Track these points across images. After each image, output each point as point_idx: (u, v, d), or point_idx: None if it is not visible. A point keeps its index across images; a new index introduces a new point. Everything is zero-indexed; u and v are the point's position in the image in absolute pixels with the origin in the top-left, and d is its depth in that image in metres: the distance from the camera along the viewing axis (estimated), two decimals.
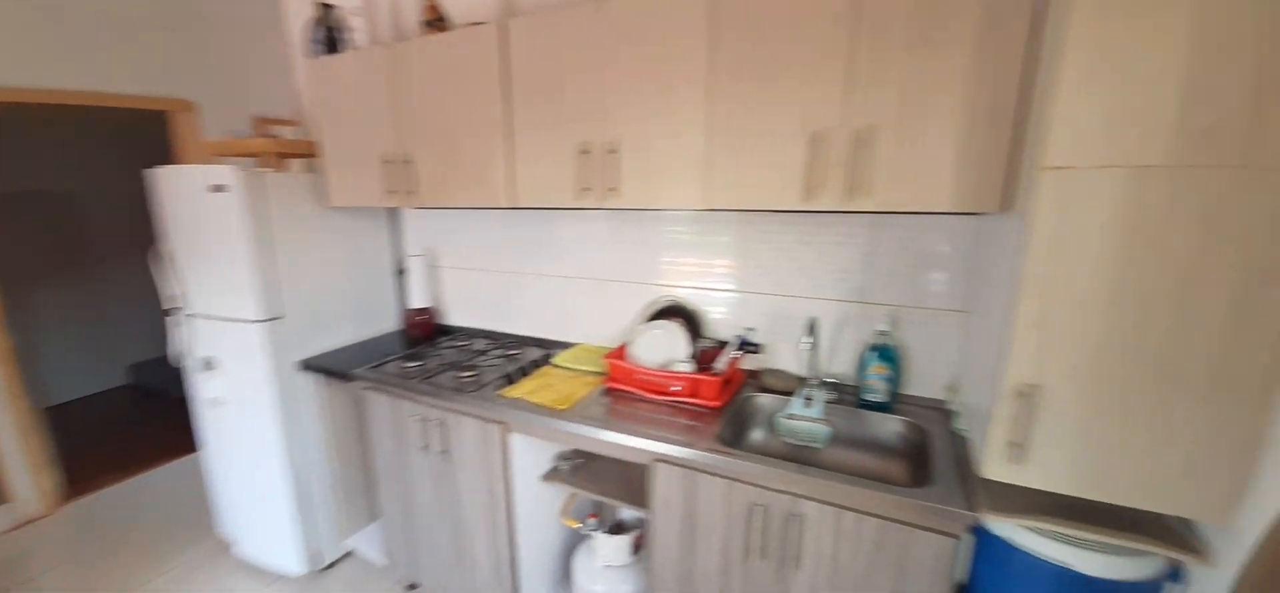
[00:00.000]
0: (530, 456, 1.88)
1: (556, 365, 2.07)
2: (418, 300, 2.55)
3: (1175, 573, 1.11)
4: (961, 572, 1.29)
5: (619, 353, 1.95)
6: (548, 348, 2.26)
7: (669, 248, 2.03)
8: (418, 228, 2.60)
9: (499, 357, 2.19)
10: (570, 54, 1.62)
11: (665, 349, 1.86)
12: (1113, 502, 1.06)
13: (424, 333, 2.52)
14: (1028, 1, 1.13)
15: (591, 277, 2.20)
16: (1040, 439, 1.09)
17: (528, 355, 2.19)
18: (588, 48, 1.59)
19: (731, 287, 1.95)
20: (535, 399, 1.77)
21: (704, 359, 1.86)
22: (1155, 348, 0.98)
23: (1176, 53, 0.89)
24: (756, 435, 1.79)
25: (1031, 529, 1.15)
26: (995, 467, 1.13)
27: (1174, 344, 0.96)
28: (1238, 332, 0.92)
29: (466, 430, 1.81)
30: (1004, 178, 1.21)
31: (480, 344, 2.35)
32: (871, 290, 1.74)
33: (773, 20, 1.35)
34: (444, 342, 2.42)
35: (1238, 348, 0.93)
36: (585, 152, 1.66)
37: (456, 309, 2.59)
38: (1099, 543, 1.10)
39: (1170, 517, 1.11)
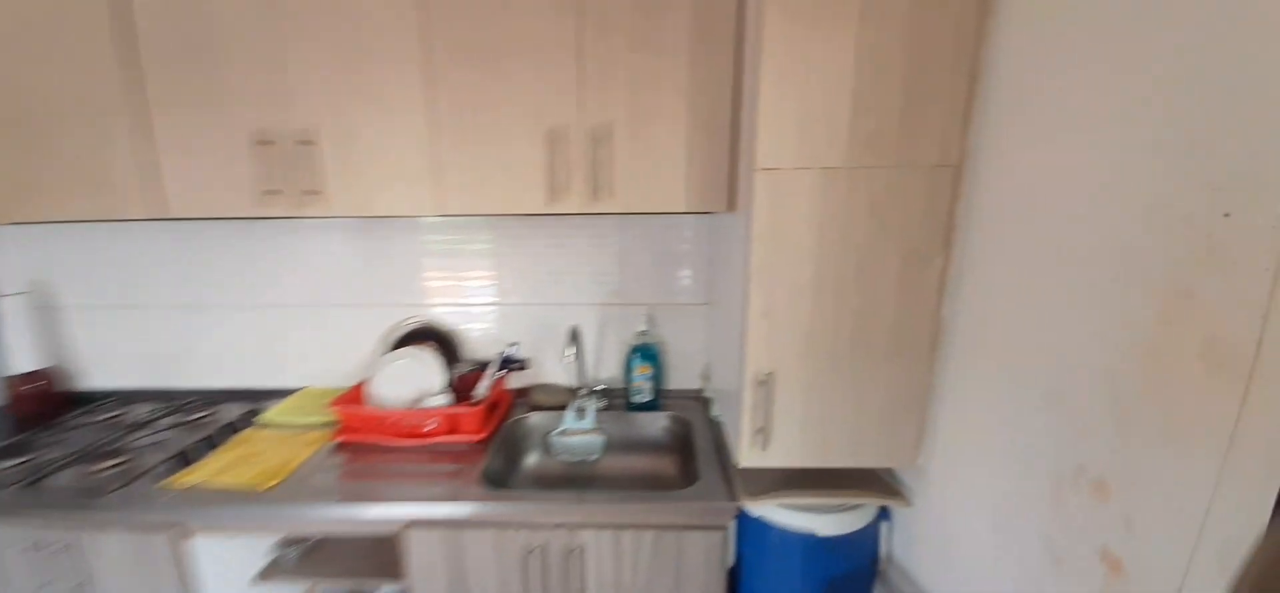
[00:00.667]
0: (234, 557, 1.40)
1: (266, 425, 1.60)
2: (23, 361, 1.72)
3: (885, 512, 1.32)
4: (730, 556, 1.35)
5: (353, 395, 1.59)
6: (255, 402, 1.74)
7: (415, 259, 1.72)
8: (10, 252, 1.75)
9: (172, 427, 1.59)
10: (226, 5, 1.21)
11: (415, 381, 1.57)
12: (835, 466, 1.20)
13: (37, 409, 1.71)
14: (732, 13, 1.18)
15: (315, 302, 1.75)
16: (779, 421, 1.16)
17: (222, 417, 1.64)
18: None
19: (490, 299, 1.75)
20: (225, 481, 1.31)
21: (464, 386, 1.63)
22: (850, 324, 1.11)
23: (847, 67, 1.01)
24: (531, 460, 1.63)
25: (780, 506, 1.24)
26: (747, 455, 1.19)
27: (862, 319, 1.11)
28: (905, 304, 1.10)
29: (112, 550, 1.25)
30: (728, 179, 1.27)
31: (142, 412, 1.69)
32: (628, 290, 1.73)
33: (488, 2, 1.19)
34: (76, 417, 1.67)
35: (907, 318, 1.11)
36: (265, 142, 1.27)
37: (100, 366, 1.83)
38: (829, 506, 1.24)
39: (880, 470, 1.31)
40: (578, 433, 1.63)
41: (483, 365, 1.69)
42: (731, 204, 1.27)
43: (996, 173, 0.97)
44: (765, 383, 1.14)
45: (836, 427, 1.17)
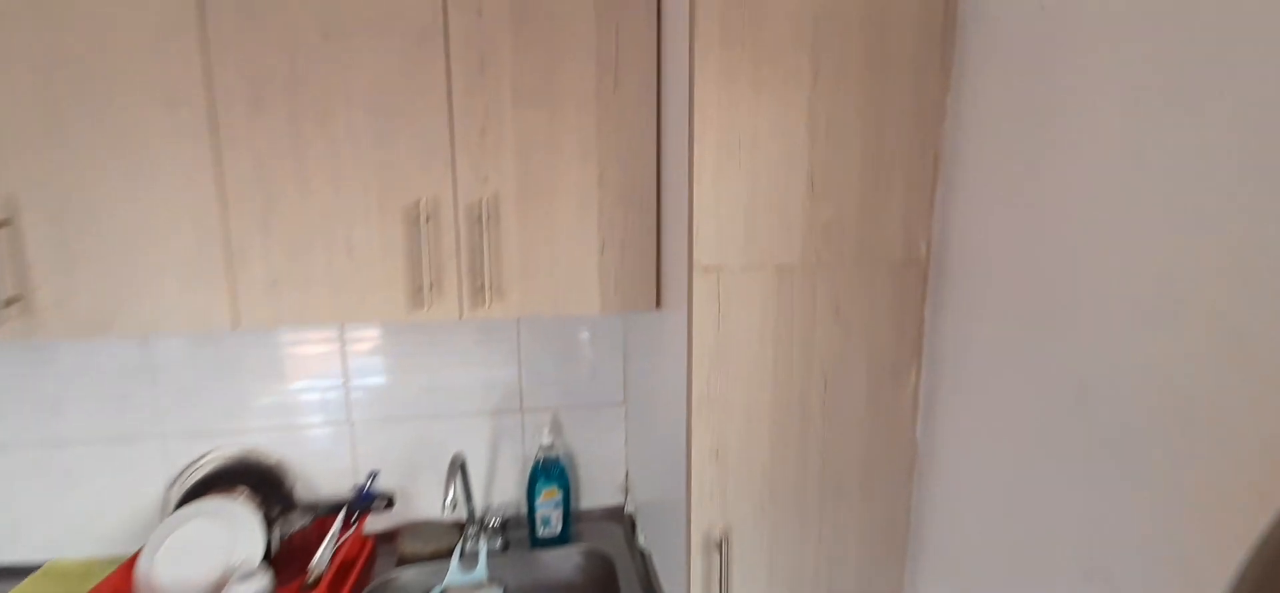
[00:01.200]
0: None
1: None
2: None
3: None
4: None
5: (120, 579, 1.06)
6: None
7: (218, 365, 1.23)
8: None
9: None
10: None
11: (217, 553, 1.09)
12: None
13: None
14: (650, 56, 0.94)
15: (61, 437, 1.19)
16: (737, 588, 0.88)
17: None
18: None
19: (335, 417, 1.31)
20: None
21: (298, 546, 1.17)
22: (818, 458, 0.88)
23: (800, 142, 0.79)
24: None
25: None
26: None
27: (831, 450, 0.88)
28: (877, 427, 0.89)
29: None
30: (655, 270, 1.00)
31: None
32: (528, 394, 1.39)
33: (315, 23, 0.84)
34: None
35: (879, 445, 0.90)
36: None
37: None
38: None
39: None
40: (467, 590, 1.23)
41: (330, 510, 1.24)
42: (659, 300, 1.00)
43: (969, 269, 0.80)
44: (721, 545, 0.85)
45: (807, 585, 0.91)
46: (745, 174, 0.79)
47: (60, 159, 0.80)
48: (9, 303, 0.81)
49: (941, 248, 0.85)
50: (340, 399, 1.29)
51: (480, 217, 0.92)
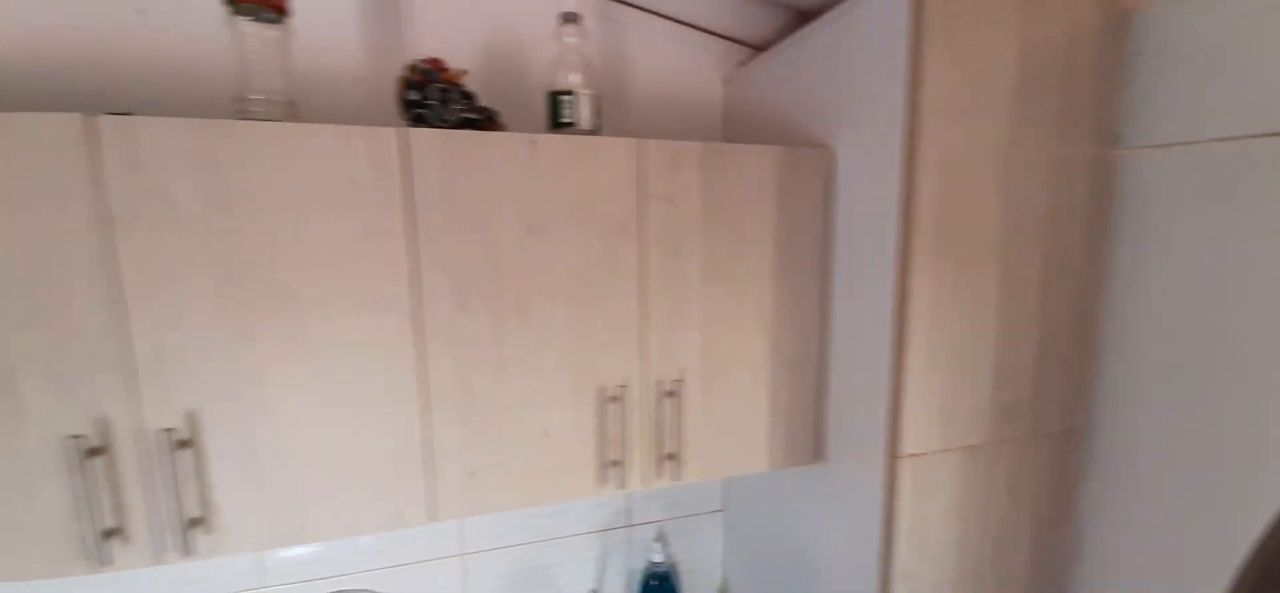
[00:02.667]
0: None
1: None
2: None
3: None
4: None
5: None
6: None
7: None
8: None
9: None
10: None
11: None
12: None
13: None
14: (818, 234, 0.98)
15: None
16: None
17: None
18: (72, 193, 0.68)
19: (450, 551, 1.27)
20: None
21: None
22: None
23: (989, 334, 0.87)
24: None
25: None
26: None
27: None
28: (1035, 581, 0.98)
29: None
30: (814, 427, 1.04)
31: None
32: (634, 511, 1.40)
33: (534, 223, 0.83)
34: None
35: None
36: (96, 451, 0.71)
37: None
38: None
39: None
40: None
41: None
42: (817, 455, 1.05)
43: (1120, 438, 0.90)
44: None
45: None
46: (945, 369, 0.85)
47: (246, 371, 0.75)
48: (192, 524, 0.76)
49: (1098, 419, 0.94)
50: (454, 530, 1.26)
51: (667, 392, 0.93)
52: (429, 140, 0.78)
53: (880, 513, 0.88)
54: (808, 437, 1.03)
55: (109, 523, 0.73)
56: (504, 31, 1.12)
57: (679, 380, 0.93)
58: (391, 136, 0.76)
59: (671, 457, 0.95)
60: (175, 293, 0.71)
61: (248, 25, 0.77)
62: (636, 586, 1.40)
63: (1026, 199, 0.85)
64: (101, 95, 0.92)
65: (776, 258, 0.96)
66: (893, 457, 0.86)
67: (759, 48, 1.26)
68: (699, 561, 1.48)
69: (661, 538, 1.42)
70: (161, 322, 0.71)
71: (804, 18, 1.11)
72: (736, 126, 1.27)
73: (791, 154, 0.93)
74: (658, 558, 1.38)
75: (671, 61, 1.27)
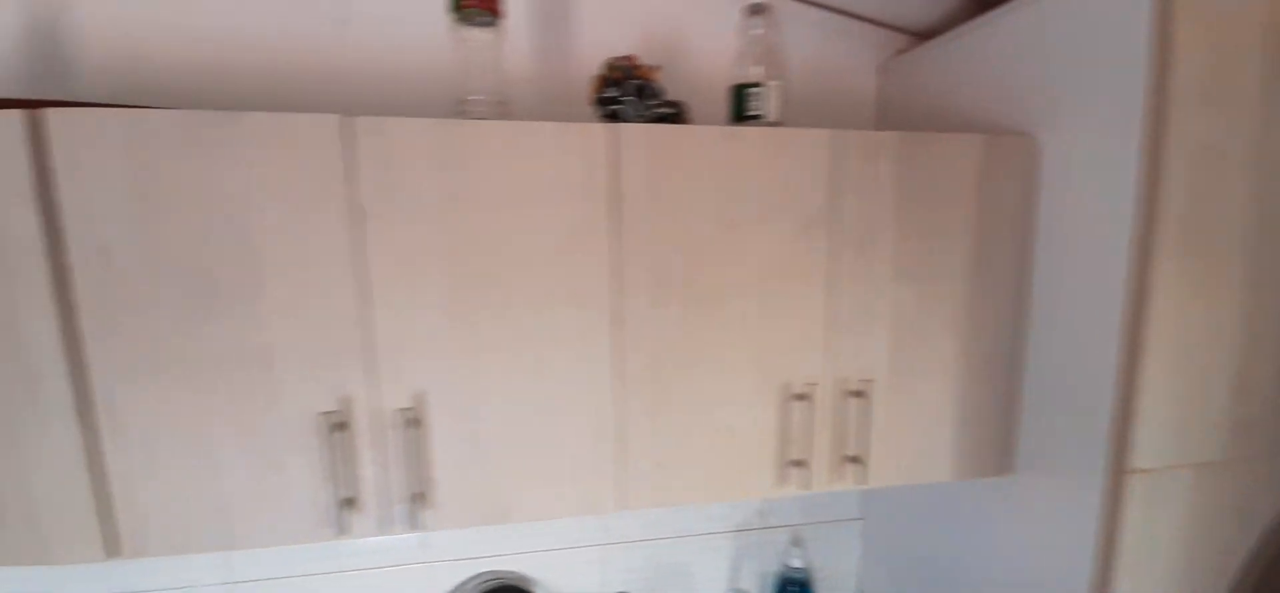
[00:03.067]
0: None
1: None
2: None
3: None
4: None
5: None
6: None
7: None
8: None
9: None
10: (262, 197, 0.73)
11: None
12: None
13: None
14: (1019, 230, 0.92)
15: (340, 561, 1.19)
16: None
17: None
18: (321, 191, 0.74)
19: (595, 539, 1.30)
20: None
21: None
22: None
23: (1231, 345, 0.78)
24: None
25: None
26: None
27: None
28: None
29: None
30: (1005, 439, 0.98)
31: None
32: (770, 511, 1.38)
33: (725, 215, 0.83)
34: None
35: None
36: (340, 426, 0.77)
37: None
38: None
39: None
40: None
41: None
42: (1004, 467, 0.98)
43: None
44: None
45: None
46: (1182, 376, 0.77)
47: (466, 358, 0.79)
48: (416, 499, 0.80)
49: None
50: (599, 519, 1.28)
51: (854, 392, 0.90)
52: (635, 135, 0.79)
53: (1096, 534, 0.81)
54: (996, 447, 0.97)
55: (345, 494, 0.79)
56: (664, 28, 1.13)
57: (868, 380, 0.90)
58: (600, 133, 0.78)
59: (855, 460, 0.92)
60: (412, 283, 0.76)
61: (468, 29, 0.81)
62: (771, 588, 1.38)
63: (1278, 193, 0.76)
64: (306, 104, 1.00)
65: (971, 255, 0.90)
66: (1118, 472, 0.79)
67: (923, 35, 1.20)
68: (833, 568, 1.43)
69: (798, 542, 1.39)
70: (399, 310, 0.77)
71: (985, 2, 1.04)
72: (894, 119, 1.22)
73: (994, 143, 0.88)
74: (796, 563, 1.35)
75: (819, 52, 1.23)
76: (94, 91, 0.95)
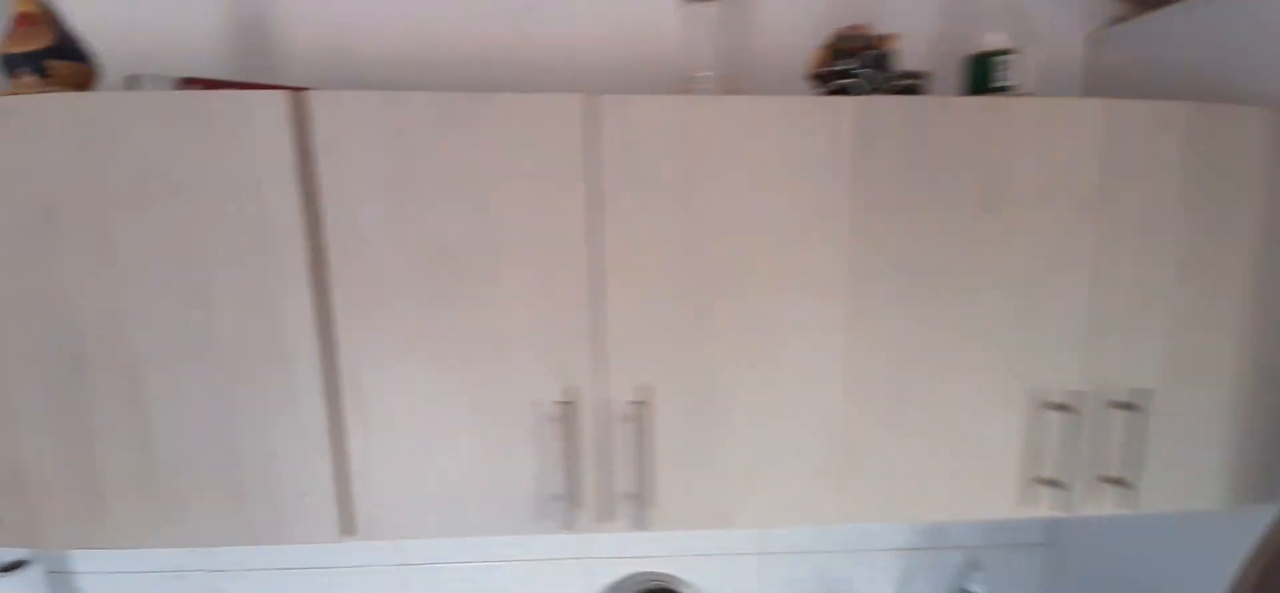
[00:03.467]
0: None
1: None
2: None
3: None
4: None
5: None
6: None
7: None
8: None
9: None
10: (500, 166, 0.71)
11: None
12: None
13: None
14: None
15: (499, 555, 1.18)
16: None
17: None
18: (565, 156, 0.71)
19: (750, 548, 1.23)
20: None
21: None
22: None
23: None
24: None
25: None
26: None
27: None
28: None
29: None
30: None
31: None
32: (946, 529, 1.26)
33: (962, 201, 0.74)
34: None
35: None
36: (567, 417, 0.74)
37: None
38: None
39: None
40: None
41: None
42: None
43: None
44: None
45: None
46: None
47: (697, 348, 0.75)
48: (636, 496, 0.77)
49: None
50: (751, 534, 1.21)
51: (1122, 403, 0.79)
52: (887, 109, 0.72)
53: None
54: (1275, 471, 0.82)
55: (568, 486, 0.76)
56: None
57: (1140, 390, 0.78)
58: (848, 107, 0.71)
59: (1119, 482, 0.80)
60: (645, 269, 0.72)
61: (695, 4, 0.76)
62: None
63: None
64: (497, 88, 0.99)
65: (1259, 248, 0.77)
66: None
67: (1146, 3, 1.05)
68: None
69: (977, 565, 1.27)
70: (631, 297, 0.73)
71: None
72: (1109, 93, 1.08)
73: None
74: (976, 588, 1.22)
75: (1017, 21, 1.10)
76: (298, 81, 0.98)
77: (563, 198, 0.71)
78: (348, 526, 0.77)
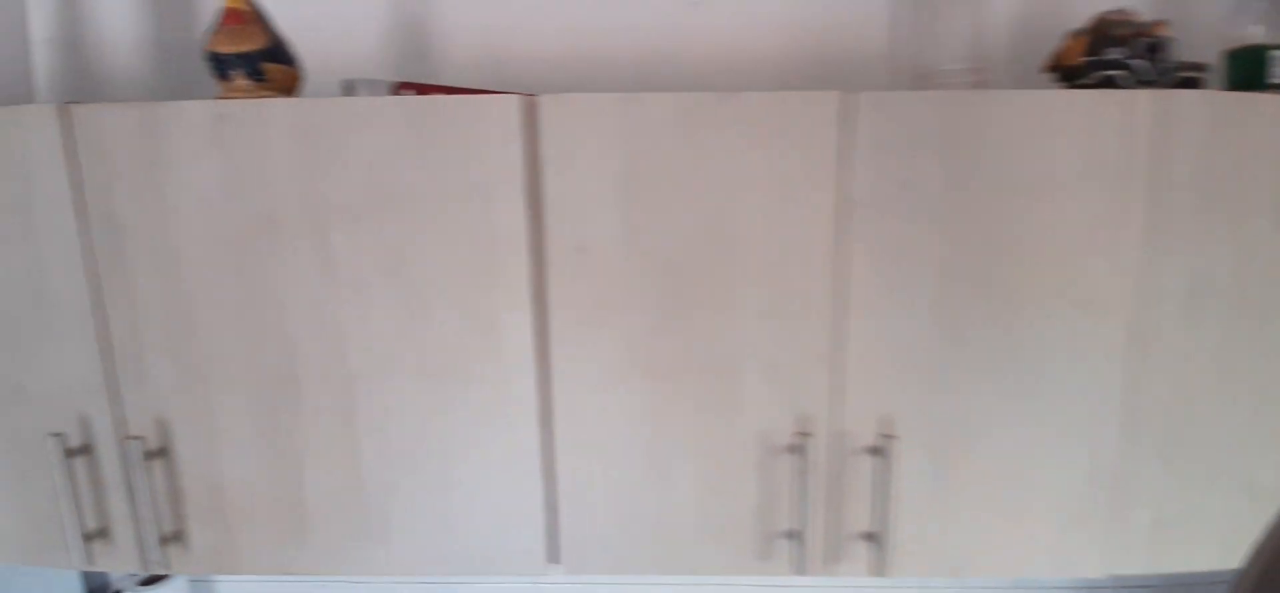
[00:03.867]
0: None
1: None
2: None
3: None
4: None
5: None
6: None
7: None
8: None
9: None
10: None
11: None
12: None
13: None
14: None
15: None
16: None
17: None
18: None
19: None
20: None
21: None
22: None
23: None
24: None
25: None
26: None
27: None
28: None
29: None
30: None
31: None
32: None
33: None
34: None
35: None
36: (798, 448, 0.67)
37: None
38: None
39: None
40: None
41: None
42: None
43: None
44: None
45: None
46: None
47: (948, 377, 0.66)
48: (867, 538, 0.69)
49: None
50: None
51: None
52: (1192, 105, 0.62)
53: None
54: None
55: (793, 525, 0.69)
56: None
57: None
58: (1145, 102, 0.62)
59: None
60: (895, 286, 0.65)
61: None
62: None
63: None
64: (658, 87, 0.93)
65: None
66: None
67: None
68: None
69: None
70: (876, 318, 0.65)
71: None
72: None
73: None
74: None
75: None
76: (454, 83, 0.94)
77: (808, 206, 0.63)
78: (553, 556, 0.72)
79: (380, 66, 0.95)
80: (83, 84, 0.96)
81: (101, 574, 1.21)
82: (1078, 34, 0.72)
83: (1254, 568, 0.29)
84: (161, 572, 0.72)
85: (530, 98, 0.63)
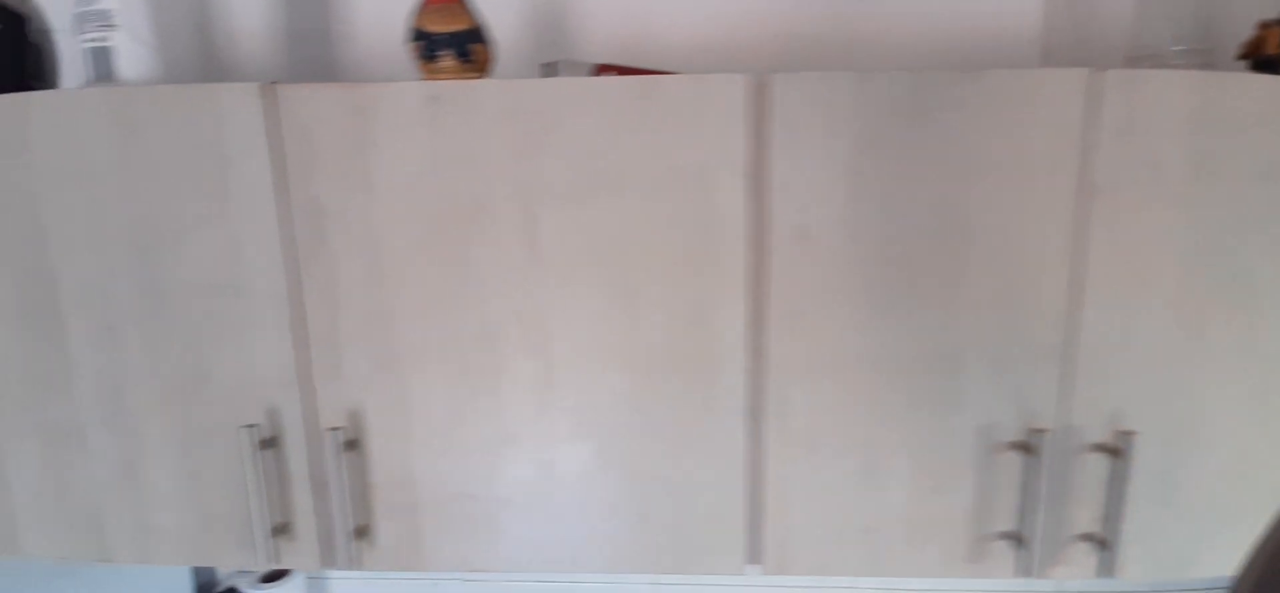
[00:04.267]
0: None
1: None
2: None
3: None
4: None
5: None
6: None
7: None
8: None
9: None
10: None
11: None
12: None
13: None
14: None
15: None
16: None
17: None
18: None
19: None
20: None
21: None
22: None
23: None
24: None
25: None
26: None
27: None
28: None
29: None
30: None
31: None
32: None
33: None
34: None
35: None
36: (1023, 445, 0.64)
37: None
38: None
39: None
40: None
41: None
42: None
43: None
44: None
45: None
46: None
47: (1185, 373, 0.63)
48: (1099, 543, 0.66)
49: None
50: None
51: None
52: None
53: None
54: None
55: (1007, 525, 0.66)
56: None
57: None
58: None
59: None
60: (1134, 276, 0.62)
61: None
62: None
63: None
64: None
65: None
66: None
67: None
68: None
69: None
70: (1113, 309, 0.62)
71: None
72: None
73: None
74: None
75: None
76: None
77: (1047, 192, 0.61)
78: (755, 555, 0.69)
79: (518, 49, 0.93)
80: (211, 70, 0.94)
81: (209, 569, 1.19)
82: (1268, 24, 0.69)
83: (1254, 567, 0.29)
84: (348, 569, 0.70)
85: (759, 78, 0.60)
